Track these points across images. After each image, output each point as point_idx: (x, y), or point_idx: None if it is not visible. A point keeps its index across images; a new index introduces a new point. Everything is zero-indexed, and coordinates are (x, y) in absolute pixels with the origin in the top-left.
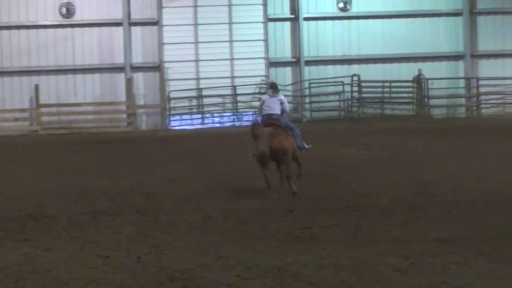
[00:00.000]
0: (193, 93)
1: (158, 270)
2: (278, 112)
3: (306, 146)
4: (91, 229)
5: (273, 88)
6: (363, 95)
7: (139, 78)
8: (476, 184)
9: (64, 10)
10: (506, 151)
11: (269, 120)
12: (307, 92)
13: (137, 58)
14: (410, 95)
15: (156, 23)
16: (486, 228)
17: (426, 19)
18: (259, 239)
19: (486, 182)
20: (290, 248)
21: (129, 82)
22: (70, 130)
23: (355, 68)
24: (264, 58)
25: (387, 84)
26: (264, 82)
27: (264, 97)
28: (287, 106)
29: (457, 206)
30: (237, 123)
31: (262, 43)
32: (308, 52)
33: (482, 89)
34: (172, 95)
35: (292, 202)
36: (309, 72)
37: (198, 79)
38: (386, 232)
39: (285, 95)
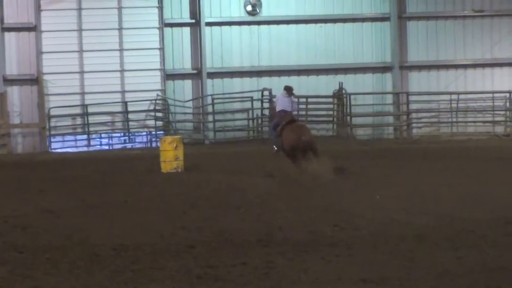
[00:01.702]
0: (77, 110)
1: None
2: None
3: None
4: None
5: (287, 90)
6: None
7: (13, 92)
8: (405, 216)
9: None
10: (440, 178)
11: (288, 116)
12: (210, 109)
13: (12, 69)
14: (330, 112)
15: (33, 28)
16: (418, 267)
17: (348, 24)
18: (153, 280)
19: (417, 214)
20: None
21: (2, 97)
22: None
23: (265, 81)
24: (160, 69)
25: (303, 99)
26: (159, 97)
27: (278, 96)
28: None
29: (384, 242)
30: (128, 145)
31: (157, 51)
32: (211, 62)
33: (412, 106)
34: (53, 112)
35: (192, 236)
36: (213, 86)
37: (83, 93)
38: (303, 272)
39: (184, 113)
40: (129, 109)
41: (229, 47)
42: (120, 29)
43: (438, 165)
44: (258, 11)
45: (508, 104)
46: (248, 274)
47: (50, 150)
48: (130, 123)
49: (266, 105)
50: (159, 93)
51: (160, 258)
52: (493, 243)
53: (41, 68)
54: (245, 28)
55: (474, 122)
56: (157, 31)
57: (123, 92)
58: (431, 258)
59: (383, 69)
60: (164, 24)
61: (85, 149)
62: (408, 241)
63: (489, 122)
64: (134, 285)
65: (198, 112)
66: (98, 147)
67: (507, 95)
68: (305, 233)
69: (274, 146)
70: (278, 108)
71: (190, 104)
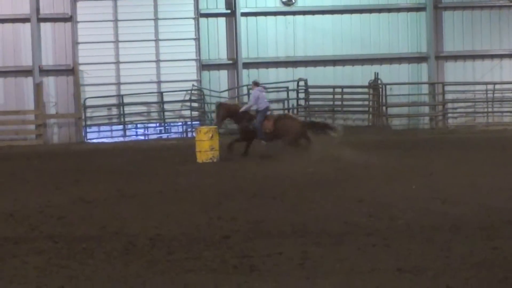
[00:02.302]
0: (113, 101)
1: None
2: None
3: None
4: None
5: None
6: (311, 102)
7: (49, 83)
8: (441, 206)
9: None
10: (475, 168)
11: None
12: (245, 99)
13: (48, 59)
14: (366, 102)
15: (69, 19)
16: (453, 258)
17: (384, 14)
18: (189, 270)
19: (453, 204)
20: (227, 280)
21: (38, 88)
22: None
23: (301, 72)
24: (195, 60)
25: (339, 90)
26: (195, 87)
27: (256, 92)
28: None
29: (420, 232)
30: (164, 136)
31: (193, 42)
32: (247, 53)
33: (448, 96)
34: (89, 102)
35: (228, 226)
36: (248, 76)
37: (118, 84)
38: (338, 262)
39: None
40: (165, 99)
41: (265, 37)
42: (156, 19)
43: (473, 155)
44: (293, 1)
45: None
46: (283, 264)
47: (85, 140)
48: (166, 113)
49: (301, 95)
50: (195, 83)
51: (195, 248)
52: None
53: (77, 59)
54: (280, 18)
55: (510, 112)
56: (192, 22)
57: (158, 82)
58: (467, 248)
59: (419, 59)
60: (200, 15)
61: (120, 139)
62: (444, 231)
63: None
64: (170, 276)
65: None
66: (133, 137)
67: None
68: (340, 224)
69: (263, 142)
70: (261, 105)
71: (225, 94)
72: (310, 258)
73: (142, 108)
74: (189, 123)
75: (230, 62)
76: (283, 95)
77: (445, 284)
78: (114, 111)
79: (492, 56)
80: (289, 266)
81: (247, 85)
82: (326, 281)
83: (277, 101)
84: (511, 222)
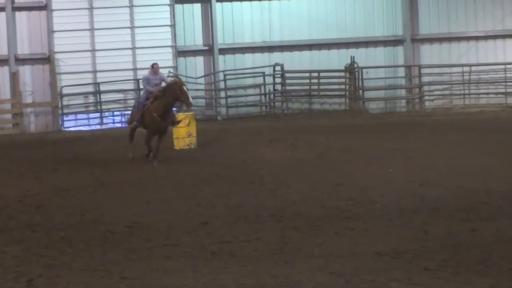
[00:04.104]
0: (90, 89)
1: None
2: None
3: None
4: None
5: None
6: (287, 87)
7: (25, 71)
8: (419, 189)
9: None
10: (453, 151)
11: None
12: (222, 85)
13: (23, 48)
14: (342, 86)
15: (44, 7)
16: (431, 240)
17: None
18: (168, 257)
19: (430, 186)
20: (205, 266)
21: (14, 77)
22: None
23: (277, 57)
24: (171, 46)
25: (315, 74)
26: (171, 74)
27: (147, 74)
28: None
29: (398, 215)
30: None
31: (168, 28)
32: (223, 38)
33: (424, 79)
34: (65, 91)
35: (206, 212)
36: (224, 62)
37: (95, 72)
38: (317, 246)
39: (196, 89)
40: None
41: (240, 23)
42: (131, 6)
43: (451, 137)
44: None
45: None
46: (262, 249)
47: (62, 129)
48: None
49: (278, 80)
50: (171, 70)
51: (174, 235)
52: (507, 215)
53: (53, 47)
54: (255, 3)
55: (487, 94)
56: (168, 8)
57: (134, 69)
58: (445, 230)
59: (395, 42)
60: (175, 1)
61: (97, 127)
62: (422, 214)
63: (502, 94)
64: (149, 263)
65: (210, 89)
66: (110, 125)
67: None
68: (318, 208)
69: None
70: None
71: (202, 80)
72: (288, 242)
73: (119, 96)
74: None
75: (206, 48)
76: (259, 80)
77: (423, 266)
78: (91, 99)
79: (468, 38)
80: (268, 251)
81: (223, 71)
82: (305, 265)
83: (254, 86)
84: (489, 204)
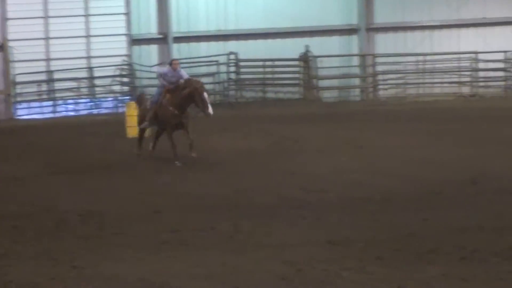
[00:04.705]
0: (43, 77)
1: (2, 285)
2: None
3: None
4: None
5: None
6: (242, 76)
7: None
8: (372, 178)
9: None
10: (406, 140)
11: None
12: None
13: None
14: (296, 75)
15: None
16: (384, 229)
17: None
18: (119, 245)
19: (383, 176)
20: (156, 255)
21: None
22: None
23: (232, 45)
24: (125, 34)
25: (270, 63)
26: (125, 62)
27: (165, 70)
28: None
29: (350, 204)
30: (94, 111)
31: (123, 17)
32: (178, 27)
33: (379, 68)
34: (18, 79)
35: (158, 201)
36: (179, 51)
37: (48, 60)
38: (269, 235)
39: (150, 77)
40: (95, 75)
41: (195, 11)
42: None
43: (404, 126)
44: None
45: (474, 64)
46: (213, 238)
47: (15, 117)
48: (96, 88)
49: (232, 69)
50: (125, 58)
51: (126, 224)
52: (459, 204)
53: (6, 35)
54: None
55: (441, 83)
56: None
57: (88, 58)
58: (397, 219)
59: (349, 31)
60: None
61: (51, 115)
62: (374, 203)
63: (456, 83)
64: (101, 251)
65: None
66: (64, 114)
67: (473, 55)
68: (271, 197)
69: None
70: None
71: (156, 69)
72: (240, 231)
73: (73, 84)
74: (120, 98)
75: (161, 36)
76: (213, 69)
77: (375, 255)
78: (44, 87)
79: (422, 28)
80: (220, 240)
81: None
82: (256, 254)
83: (208, 75)
84: (441, 194)
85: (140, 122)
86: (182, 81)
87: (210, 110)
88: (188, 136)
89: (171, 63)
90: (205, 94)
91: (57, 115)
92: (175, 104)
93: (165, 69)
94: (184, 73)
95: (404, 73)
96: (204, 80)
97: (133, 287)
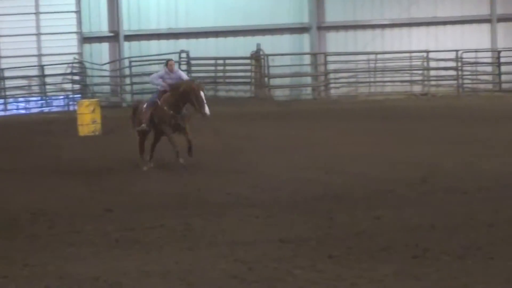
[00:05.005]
0: None
1: None
2: None
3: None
4: None
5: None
6: (193, 74)
7: None
8: (324, 176)
9: None
10: (358, 138)
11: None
12: (127, 71)
13: None
14: (248, 74)
15: None
16: (336, 227)
17: None
18: (71, 244)
19: (335, 174)
20: (109, 253)
21: None
22: None
23: (183, 44)
24: (76, 32)
25: (221, 61)
26: (76, 60)
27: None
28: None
29: (303, 202)
30: (45, 109)
31: (74, 15)
32: (129, 25)
33: (330, 66)
34: None
35: (110, 199)
36: (130, 49)
37: None
38: (221, 233)
39: (101, 76)
40: (46, 72)
41: (146, 9)
42: None
43: (356, 125)
44: None
45: (425, 63)
46: (166, 236)
47: None
48: (47, 87)
49: (184, 67)
50: (76, 56)
51: (78, 222)
52: (410, 203)
53: None
54: None
55: (392, 82)
56: None
57: (39, 56)
58: (349, 218)
59: (301, 29)
60: None
61: (1, 114)
62: (326, 201)
63: (407, 82)
64: (51, 249)
65: (116, 75)
66: (15, 112)
67: (424, 54)
68: (223, 195)
69: None
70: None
71: (107, 67)
72: (193, 229)
73: (23, 82)
74: (71, 96)
75: (112, 34)
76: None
77: (327, 254)
78: None
79: (373, 26)
80: (172, 238)
81: (128, 58)
82: (208, 252)
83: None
84: (393, 192)
85: (138, 124)
86: (181, 81)
87: (207, 110)
88: (187, 138)
89: (166, 64)
90: (202, 93)
91: (8, 113)
92: (170, 104)
93: (161, 71)
94: (183, 74)
95: (356, 71)
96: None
97: (86, 285)
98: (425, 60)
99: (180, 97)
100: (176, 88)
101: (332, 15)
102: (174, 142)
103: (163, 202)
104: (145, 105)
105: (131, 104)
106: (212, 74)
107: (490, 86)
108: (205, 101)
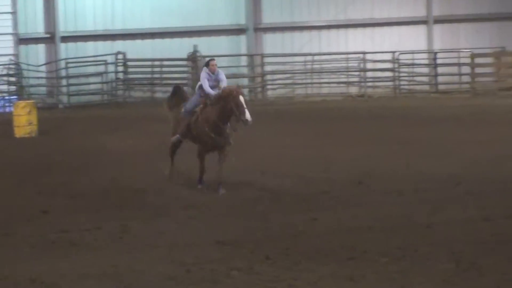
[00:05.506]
0: None
1: None
2: None
3: None
4: None
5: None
6: (130, 76)
7: None
8: (261, 178)
9: None
10: (294, 140)
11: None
12: (63, 73)
13: None
14: (185, 75)
15: None
16: (273, 229)
17: None
18: (8, 246)
19: (272, 176)
20: (45, 255)
21: None
22: None
23: (119, 45)
24: (12, 34)
25: (158, 63)
26: (13, 62)
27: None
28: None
29: (240, 204)
30: None
31: (9, 16)
32: (65, 26)
33: (267, 68)
34: None
35: (47, 201)
36: (66, 50)
37: None
38: (158, 235)
39: (37, 77)
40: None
41: (83, 10)
42: None
43: (293, 126)
44: None
45: (362, 65)
46: (103, 239)
47: None
48: None
49: (120, 68)
50: (12, 57)
51: (14, 224)
52: (347, 204)
53: None
54: None
55: (329, 83)
56: None
57: None
58: (286, 219)
59: (238, 31)
60: None
61: None
62: (263, 203)
63: (344, 83)
64: None
65: (52, 77)
66: None
67: (361, 56)
68: (160, 197)
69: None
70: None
71: (43, 68)
72: (130, 231)
73: None
74: (7, 98)
75: (48, 35)
76: (101, 68)
77: (264, 255)
78: None
79: (310, 28)
80: (109, 240)
81: (65, 59)
82: (146, 254)
83: (95, 75)
84: (329, 193)
85: (173, 134)
86: (221, 86)
87: (248, 116)
88: (220, 167)
89: (207, 64)
90: (241, 98)
91: None
92: (211, 124)
93: (204, 73)
94: (223, 76)
95: (293, 73)
96: (92, 80)
97: (23, 287)
98: (362, 61)
99: (221, 113)
100: (217, 101)
101: (269, 17)
102: (201, 163)
103: (100, 204)
104: (183, 110)
105: (172, 88)
106: (149, 76)
107: (426, 87)
108: (245, 106)
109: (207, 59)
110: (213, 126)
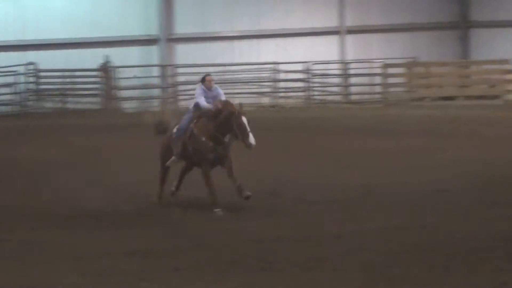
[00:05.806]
0: None
1: None
2: None
3: None
4: None
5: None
6: (41, 86)
7: None
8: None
9: None
10: None
11: None
12: None
13: None
14: (96, 86)
15: None
16: (182, 240)
17: None
18: None
19: (183, 186)
20: None
21: None
22: None
23: (31, 55)
24: None
25: (69, 73)
26: None
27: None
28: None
29: (149, 215)
30: None
31: None
32: None
33: (180, 78)
34: None
35: None
36: None
37: None
38: (67, 246)
39: None
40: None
41: None
42: None
43: None
44: None
45: (274, 75)
46: (10, 250)
47: None
48: None
49: (31, 79)
50: None
51: None
52: (258, 214)
53: None
54: (9, 0)
55: (241, 93)
56: None
57: None
58: (197, 229)
59: (150, 41)
60: None
61: None
62: (175, 213)
63: (256, 94)
64: None
65: None
66: None
67: (273, 66)
68: (69, 208)
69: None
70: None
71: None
72: (38, 243)
73: None
74: None
75: None
76: (11, 79)
77: (173, 266)
78: None
79: (223, 38)
80: (17, 251)
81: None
82: (54, 266)
83: (5, 85)
84: (240, 203)
85: (164, 155)
86: (219, 101)
87: (252, 140)
88: (231, 176)
89: (203, 80)
90: (244, 119)
91: None
92: (209, 134)
93: (199, 90)
94: (221, 92)
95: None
96: (1, 91)
97: None
98: (274, 72)
99: (220, 126)
100: (215, 115)
101: (181, 27)
102: (210, 183)
103: (8, 215)
104: (174, 130)
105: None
106: (60, 86)
107: (338, 98)
108: (248, 129)
109: (203, 74)
110: (211, 136)
